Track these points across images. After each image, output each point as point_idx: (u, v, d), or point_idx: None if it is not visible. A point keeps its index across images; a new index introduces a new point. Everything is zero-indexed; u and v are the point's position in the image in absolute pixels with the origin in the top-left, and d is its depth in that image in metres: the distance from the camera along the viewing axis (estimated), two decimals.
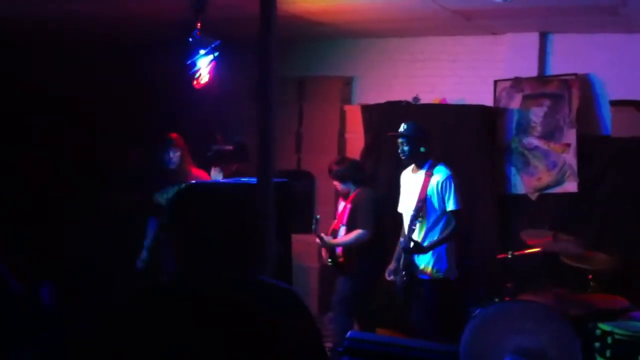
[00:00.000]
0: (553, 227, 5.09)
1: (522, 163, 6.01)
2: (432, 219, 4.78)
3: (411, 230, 4.76)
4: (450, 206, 4.73)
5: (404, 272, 4.75)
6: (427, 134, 4.93)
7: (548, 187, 5.89)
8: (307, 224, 6.55)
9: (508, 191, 6.04)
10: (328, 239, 5.35)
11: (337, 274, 5.35)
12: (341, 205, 5.67)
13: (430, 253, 4.74)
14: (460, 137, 6.02)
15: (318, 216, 5.30)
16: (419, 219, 4.75)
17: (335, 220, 5.65)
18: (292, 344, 1.90)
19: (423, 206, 4.75)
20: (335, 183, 5.52)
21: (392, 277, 4.94)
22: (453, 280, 4.83)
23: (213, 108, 6.24)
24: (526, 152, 5.99)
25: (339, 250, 5.35)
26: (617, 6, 4.94)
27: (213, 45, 4.66)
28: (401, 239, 4.87)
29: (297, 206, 6.28)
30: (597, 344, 4.18)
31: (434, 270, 4.76)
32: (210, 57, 4.70)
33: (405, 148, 4.86)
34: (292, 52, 6.90)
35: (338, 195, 5.79)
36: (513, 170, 6.04)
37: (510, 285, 4.84)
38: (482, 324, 2.62)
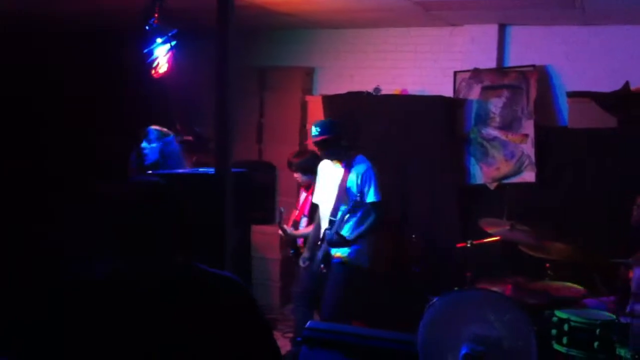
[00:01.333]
0: (511, 216, 5.14)
1: (481, 153, 6.06)
2: (351, 210, 4.76)
3: (337, 222, 4.76)
4: (370, 198, 4.75)
5: (322, 265, 4.78)
6: (342, 126, 4.92)
7: (506, 177, 5.96)
8: (268, 215, 6.54)
9: (467, 181, 6.10)
10: (290, 230, 5.34)
11: (298, 265, 5.35)
12: (302, 196, 5.67)
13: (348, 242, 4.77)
14: (421, 127, 6.05)
15: (283, 209, 5.30)
16: (346, 212, 4.73)
17: (297, 211, 5.64)
18: (235, 332, 1.89)
19: (344, 199, 4.76)
20: (296, 175, 5.51)
21: (306, 264, 4.95)
22: (366, 268, 4.87)
23: (173, 97, 6.15)
24: (485, 142, 6.05)
25: (300, 241, 5.35)
26: None
27: (170, 34, 4.59)
28: (327, 231, 4.83)
29: (258, 197, 6.26)
30: (554, 331, 4.25)
31: (346, 256, 4.81)
32: (168, 46, 4.63)
33: (327, 151, 4.86)
34: (254, 42, 6.86)
35: (300, 186, 5.78)
36: (472, 160, 6.09)
37: (469, 275, 4.89)
38: (440, 313, 2.64)
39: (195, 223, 2.43)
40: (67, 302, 1.86)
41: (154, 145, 5.15)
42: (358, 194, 4.70)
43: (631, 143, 5.52)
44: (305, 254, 5.00)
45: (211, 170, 3.27)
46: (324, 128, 4.81)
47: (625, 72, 5.69)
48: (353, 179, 4.79)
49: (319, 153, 5.01)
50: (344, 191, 4.79)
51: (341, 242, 4.74)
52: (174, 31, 4.62)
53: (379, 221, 4.82)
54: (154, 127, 5.23)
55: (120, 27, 5.32)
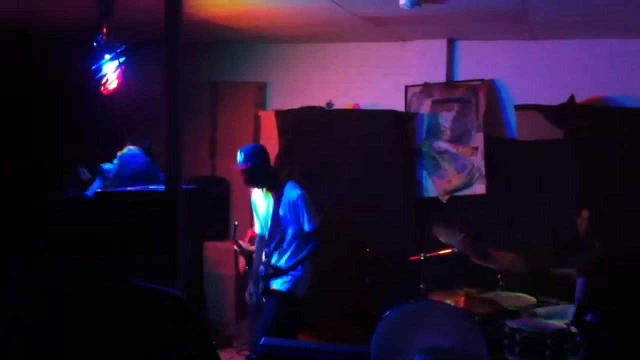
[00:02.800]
0: (463, 228, 5.21)
1: (433, 166, 6.14)
2: (288, 239, 4.64)
3: (268, 255, 4.66)
4: (306, 226, 4.60)
5: (263, 298, 4.67)
6: (266, 152, 4.72)
7: (458, 189, 6.05)
8: (222, 231, 6.49)
9: (420, 194, 6.16)
10: (246, 245, 5.29)
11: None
12: None
13: (284, 268, 4.65)
14: (374, 141, 6.11)
15: (236, 222, 5.20)
16: (278, 244, 4.62)
17: (253, 227, 5.61)
18: (171, 345, 1.89)
19: (278, 228, 4.61)
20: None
21: (251, 299, 4.81)
22: (299, 296, 4.70)
23: (123, 112, 6.07)
24: (436, 155, 6.13)
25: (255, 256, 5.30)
26: (520, 14, 5.12)
27: (119, 50, 4.53)
28: (261, 267, 4.71)
29: (212, 213, 6.21)
30: (505, 341, 4.33)
31: (282, 290, 4.66)
32: (117, 62, 4.57)
33: (251, 180, 4.67)
34: (206, 56, 6.83)
35: None
36: (424, 173, 6.17)
37: (422, 286, 4.94)
38: (392, 325, 2.65)
39: (145, 240, 2.41)
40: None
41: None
42: (290, 226, 4.60)
43: (577, 154, 5.66)
44: (250, 287, 4.85)
45: (161, 187, 3.23)
46: (248, 155, 4.60)
47: (570, 85, 5.85)
48: (285, 209, 4.62)
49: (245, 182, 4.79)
50: (276, 221, 4.64)
51: (276, 274, 4.61)
52: (122, 47, 4.56)
53: (320, 247, 4.67)
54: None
55: (67, 42, 5.25)
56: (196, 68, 6.78)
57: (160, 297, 1.97)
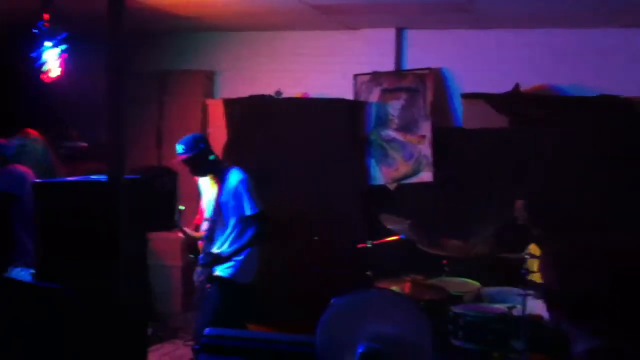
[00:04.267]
0: (410, 215, 5.26)
1: (381, 155, 6.19)
2: (230, 225, 4.64)
3: (207, 241, 4.67)
4: (247, 211, 4.58)
5: (207, 285, 4.67)
6: (206, 141, 4.74)
7: (405, 177, 6.11)
8: (169, 222, 6.41)
9: (368, 182, 6.21)
10: (190, 231, 5.24)
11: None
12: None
13: (229, 255, 4.64)
14: (323, 130, 6.12)
15: (182, 207, 5.10)
16: (220, 227, 4.64)
17: (198, 215, 5.57)
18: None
19: (220, 214, 4.62)
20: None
21: (198, 279, 4.76)
22: (243, 283, 4.68)
23: (68, 102, 5.95)
24: (384, 144, 6.18)
25: (201, 244, 5.27)
26: (467, 4, 5.19)
27: (60, 38, 4.43)
28: (201, 255, 4.71)
29: (159, 203, 6.12)
30: (450, 326, 4.40)
31: (225, 276, 4.65)
32: (58, 50, 4.47)
33: (195, 170, 4.68)
34: (153, 45, 6.73)
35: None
36: (372, 161, 6.21)
37: (370, 274, 4.98)
38: (337, 314, 2.67)
39: (86, 231, 2.38)
40: None
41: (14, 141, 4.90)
42: (231, 212, 4.59)
43: (520, 142, 5.77)
44: (198, 269, 4.78)
45: (104, 177, 3.18)
46: (189, 145, 4.59)
47: (515, 74, 5.94)
48: (226, 195, 4.62)
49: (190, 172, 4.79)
50: (218, 208, 4.63)
51: (216, 260, 4.60)
52: (64, 35, 4.45)
53: (262, 232, 4.63)
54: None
55: (10, 28, 5.11)
56: (144, 58, 6.69)
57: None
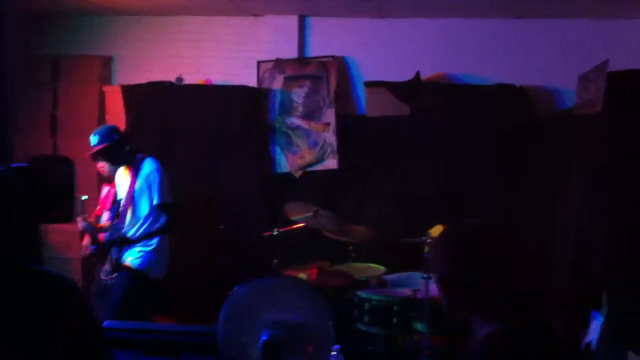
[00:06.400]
0: (315, 203, 5.27)
1: (286, 142, 6.16)
2: (142, 214, 4.67)
3: (120, 222, 4.69)
4: (155, 200, 4.62)
5: (114, 275, 4.64)
6: (120, 131, 4.82)
7: (310, 164, 6.11)
8: (68, 213, 6.15)
9: (274, 170, 6.17)
10: (92, 222, 5.07)
11: (98, 262, 5.09)
12: (105, 190, 5.42)
13: (137, 248, 4.65)
14: (226, 118, 6.02)
15: (84, 197, 4.96)
16: (132, 216, 4.67)
17: (98, 207, 5.38)
18: (66, 326, 1.92)
19: (130, 203, 4.66)
20: (101, 165, 5.22)
21: (106, 278, 4.75)
22: (154, 277, 4.69)
23: None
24: (289, 131, 6.15)
25: (101, 236, 5.09)
26: None
27: None
28: (107, 233, 4.76)
29: (55, 194, 5.86)
30: (355, 311, 4.44)
31: (134, 260, 4.66)
32: None
33: (109, 160, 4.72)
34: (46, 28, 6.43)
35: (102, 181, 5.51)
36: (277, 149, 6.17)
37: (276, 262, 4.95)
38: (239, 302, 2.62)
39: None
40: None
41: None
42: (144, 200, 4.61)
43: (421, 129, 5.88)
44: (106, 266, 4.74)
45: None
46: (103, 135, 4.65)
47: (416, 62, 6.04)
48: (141, 183, 4.65)
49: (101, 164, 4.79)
50: (130, 199, 4.65)
51: (122, 241, 4.60)
52: None
53: (171, 223, 4.66)
54: None
55: None
56: (36, 41, 6.38)
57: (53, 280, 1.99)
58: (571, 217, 4.83)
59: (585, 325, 4.43)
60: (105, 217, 5.25)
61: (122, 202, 4.72)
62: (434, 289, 4.32)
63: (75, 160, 6.10)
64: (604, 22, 5.84)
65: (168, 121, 6.06)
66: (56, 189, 5.51)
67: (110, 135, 4.67)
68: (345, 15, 6.24)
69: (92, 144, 4.67)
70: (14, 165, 2.89)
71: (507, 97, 5.80)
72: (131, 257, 4.65)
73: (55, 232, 5.85)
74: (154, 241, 4.68)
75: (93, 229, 5.01)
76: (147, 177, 4.64)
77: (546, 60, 5.95)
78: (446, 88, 5.99)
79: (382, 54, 6.24)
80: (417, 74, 5.99)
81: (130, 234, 4.64)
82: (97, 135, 4.67)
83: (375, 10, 5.96)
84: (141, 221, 4.66)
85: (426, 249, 4.37)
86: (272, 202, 5.95)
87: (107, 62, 6.59)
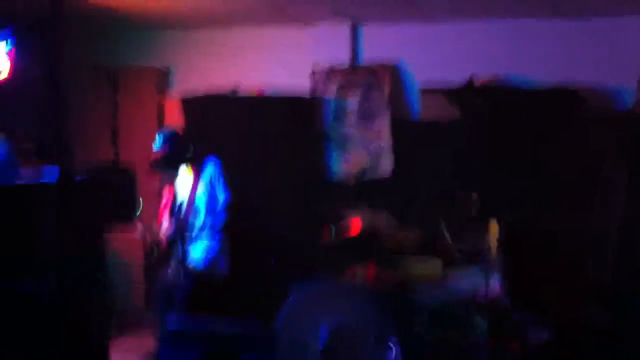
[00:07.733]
0: (370, 209, 5.29)
1: (340, 149, 6.20)
2: (205, 213, 4.81)
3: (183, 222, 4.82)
4: (219, 198, 4.79)
5: (182, 271, 4.77)
6: (181, 138, 4.96)
7: (365, 171, 6.14)
8: (130, 221, 6.34)
9: (328, 178, 6.21)
10: (153, 226, 5.22)
11: (159, 265, 5.24)
12: (165, 195, 5.56)
13: (200, 247, 4.77)
14: (279, 127, 6.11)
15: (141, 199, 5.20)
16: (193, 216, 4.81)
17: (159, 214, 5.52)
18: None
19: (193, 202, 4.81)
20: (160, 171, 5.35)
21: (170, 277, 4.87)
22: (217, 276, 4.82)
23: (19, 101, 5.82)
24: (343, 139, 6.20)
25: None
26: None
27: (6, 31, 4.28)
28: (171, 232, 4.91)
29: (117, 203, 6.05)
30: (413, 313, 4.41)
31: (197, 259, 4.78)
32: (4, 43, 4.32)
33: (174, 168, 4.88)
34: (106, 42, 6.64)
35: (162, 190, 5.66)
36: (332, 156, 6.22)
37: (332, 268, 4.98)
38: (296, 307, 2.67)
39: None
40: None
41: None
42: (207, 201, 4.75)
43: (475, 133, 5.79)
44: (171, 266, 4.90)
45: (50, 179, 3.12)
46: (167, 139, 4.84)
47: (468, 66, 5.97)
48: (203, 184, 4.79)
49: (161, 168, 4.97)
50: (193, 198, 4.79)
51: (184, 239, 4.76)
52: (10, 27, 4.31)
53: (229, 222, 4.81)
54: None
55: None
56: (97, 55, 6.59)
57: None
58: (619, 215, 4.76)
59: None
60: (165, 221, 5.37)
61: (186, 201, 4.83)
62: (493, 289, 4.29)
63: (136, 170, 6.34)
64: None
65: (225, 132, 6.18)
66: (119, 197, 5.71)
67: (171, 144, 4.84)
68: (396, 21, 6.23)
69: (155, 147, 4.84)
70: (80, 177, 3.03)
71: (562, 99, 5.69)
72: (195, 257, 4.76)
73: (118, 239, 6.05)
74: (216, 240, 4.79)
75: (153, 233, 5.14)
76: (210, 177, 4.80)
77: (602, 60, 5.81)
78: (500, 90, 5.91)
79: (434, 58, 6.19)
80: (471, 79, 5.94)
81: (194, 231, 4.77)
82: (161, 138, 4.84)
83: (426, 15, 5.95)
84: (204, 220, 4.78)
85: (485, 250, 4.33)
86: (326, 208, 5.98)
87: (165, 75, 6.77)
